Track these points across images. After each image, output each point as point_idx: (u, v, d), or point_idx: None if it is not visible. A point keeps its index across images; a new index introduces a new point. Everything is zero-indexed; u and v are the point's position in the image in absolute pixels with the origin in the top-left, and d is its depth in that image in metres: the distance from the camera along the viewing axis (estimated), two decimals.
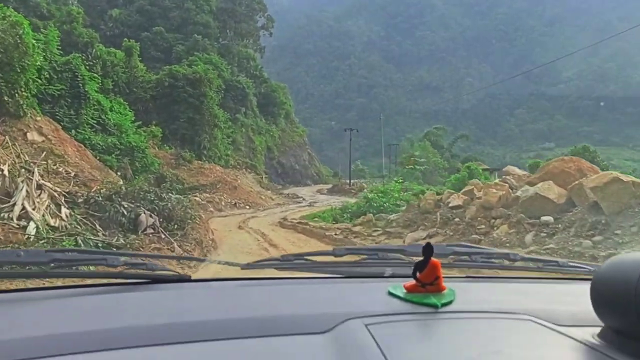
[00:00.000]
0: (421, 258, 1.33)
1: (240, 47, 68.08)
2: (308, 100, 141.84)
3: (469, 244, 1.98)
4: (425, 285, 1.31)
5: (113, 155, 28.22)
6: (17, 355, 0.94)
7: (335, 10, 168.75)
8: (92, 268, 1.56)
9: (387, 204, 24.77)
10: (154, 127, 38.90)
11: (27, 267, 1.44)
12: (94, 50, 42.36)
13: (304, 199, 38.84)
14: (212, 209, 27.48)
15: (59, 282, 1.48)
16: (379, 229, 15.94)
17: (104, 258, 1.47)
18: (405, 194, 27.89)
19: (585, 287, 1.11)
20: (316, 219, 22.56)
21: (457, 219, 13.72)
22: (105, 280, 1.46)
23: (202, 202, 27.71)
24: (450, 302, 1.30)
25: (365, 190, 46.89)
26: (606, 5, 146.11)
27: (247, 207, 30.78)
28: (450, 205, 14.41)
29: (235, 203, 30.60)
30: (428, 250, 1.31)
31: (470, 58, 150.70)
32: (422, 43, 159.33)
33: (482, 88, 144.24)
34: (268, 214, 27.35)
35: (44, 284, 1.72)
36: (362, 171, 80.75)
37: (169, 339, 1.05)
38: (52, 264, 1.41)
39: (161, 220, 13.12)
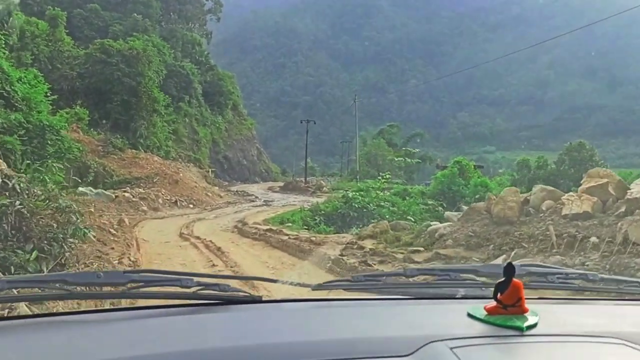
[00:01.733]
0: (495, 279, 1.31)
1: (185, 31, 60.69)
2: (253, 97, 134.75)
3: (543, 264, 1.86)
4: (507, 307, 1.25)
5: (15, 136, 21.08)
6: None
7: (281, 7, 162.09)
8: (166, 289, 1.44)
9: (370, 204, 19.02)
10: (78, 108, 31.60)
11: (106, 288, 1.41)
12: (11, 18, 34.66)
13: (256, 197, 32.40)
14: (145, 207, 20.82)
15: (136, 303, 1.42)
16: (412, 247, 9.87)
17: (179, 279, 1.43)
18: (386, 193, 22.15)
19: None
20: (289, 224, 16.34)
21: (581, 235, 7.78)
22: (179, 301, 1.42)
23: (133, 199, 21.02)
24: (534, 325, 1.22)
25: (324, 187, 41.01)
26: (544, 14, 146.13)
27: (191, 205, 24.23)
28: (570, 212, 8.50)
29: (176, 201, 23.96)
30: (509, 270, 1.25)
31: (415, 60, 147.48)
32: (368, 43, 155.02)
33: (424, 84, 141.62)
34: (218, 215, 20.90)
35: (121, 304, 1.55)
36: (313, 169, 74.68)
37: None
38: (129, 285, 1.38)
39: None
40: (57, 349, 1.13)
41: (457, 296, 1.57)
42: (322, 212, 19.77)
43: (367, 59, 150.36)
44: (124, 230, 11.97)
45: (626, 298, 1.69)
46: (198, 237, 13.15)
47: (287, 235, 12.85)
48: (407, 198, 22.45)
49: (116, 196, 20.84)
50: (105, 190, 22.76)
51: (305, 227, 17.89)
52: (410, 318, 1.36)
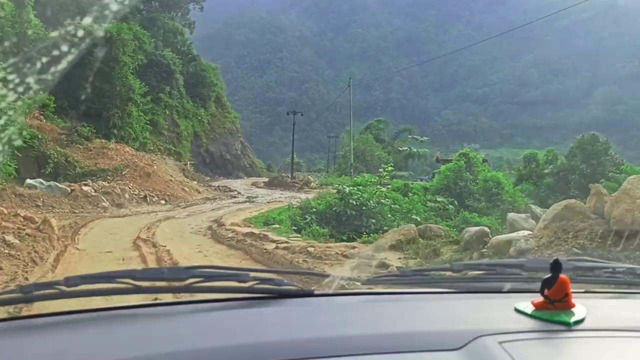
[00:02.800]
0: (541, 273, 1.32)
1: (167, 19, 56.82)
2: (238, 92, 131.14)
3: (590, 258, 1.82)
4: (554, 302, 1.25)
5: None
6: None
7: (267, 3, 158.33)
8: (225, 284, 1.48)
9: (370, 201, 15.84)
10: (41, 93, 27.91)
11: (170, 283, 1.46)
12: None
13: (239, 193, 29.01)
14: (106, 203, 17.40)
15: (197, 297, 1.45)
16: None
17: (236, 274, 1.47)
18: (385, 189, 19.00)
19: None
20: (275, 226, 13.01)
21: None
22: (237, 295, 1.46)
23: (93, 194, 17.58)
24: (582, 321, 1.21)
25: (312, 183, 37.70)
26: (529, 15, 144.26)
27: (163, 201, 20.85)
28: None
29: (146, 196, 20.56)
30: (556, 266, 1.24)
31: (400, 58, 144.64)
32: (353, 40, 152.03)
33: (409, 82, 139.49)
34: (192, 213, 17.51)
35: (183, 297, 1.56)
36: (299, 164, 71.38)
37: (303, 353, 1.04)
38: (190, 280, 1.42)
39: None
40: (126, 340, 1.16)
41: (503, 290, 1.56)
42: (314, 210, 16.56)
43: (352, 55, 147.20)
44: (41, 237, 8.64)
45: None
46: (155, 245, 9.83)
47: (274, 242, 9.60)
48: (410, 194, 19.32)
49: (72, 190, 17.41)
50: (68, 183, 19.30)
51: (294, 228, 14.67)
52: (459, 312, 1.35)
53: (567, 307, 1.25)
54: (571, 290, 1.27)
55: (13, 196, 15.34)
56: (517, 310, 1.29)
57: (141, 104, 37.21)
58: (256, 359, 1.03)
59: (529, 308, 1.28)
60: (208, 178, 44.15)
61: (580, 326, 1.19)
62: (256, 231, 11.18)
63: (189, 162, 41.14)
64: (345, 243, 8.91)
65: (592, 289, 1.62)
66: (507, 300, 1.37)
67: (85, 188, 17.90)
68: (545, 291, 1.25)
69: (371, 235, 10.86)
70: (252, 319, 1.33)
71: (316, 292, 1.54)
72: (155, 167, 25.86)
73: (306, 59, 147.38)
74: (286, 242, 9.46)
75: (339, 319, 1.33)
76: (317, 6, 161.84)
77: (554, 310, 1.23)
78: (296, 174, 48.01)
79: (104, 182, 20.20)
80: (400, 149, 31.01)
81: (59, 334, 1.22)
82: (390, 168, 17.98)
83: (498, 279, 1.63)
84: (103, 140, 27.36)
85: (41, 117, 26.51)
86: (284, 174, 47.45)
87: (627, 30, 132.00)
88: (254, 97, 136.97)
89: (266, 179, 44.62)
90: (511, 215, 10.53)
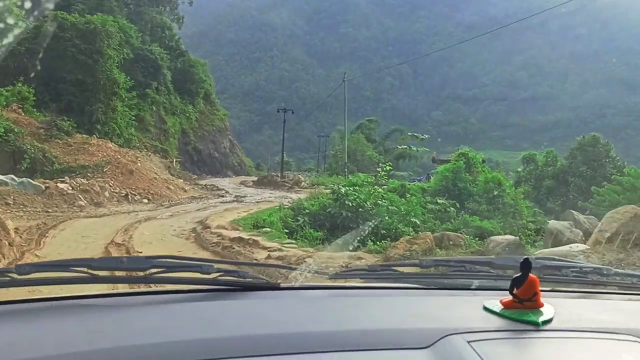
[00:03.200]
0: (510, 272, 1.34)
1: (155, 13, 55.34)
2: (227, 90, 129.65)
3: (558, 258, 1.83)
4: (523, 301, 1.24)
5: None
6: None
7: (258, 1, 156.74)
8: (187, 275, 1.43)
9: (367, 202, 14.77)
10: (20, 85, 26.59)
11: (129, 273, 1.41)
12: None
13: (227, 192, 27.79)
14: (84, 202, 16.14)
15: (157, 288, 1.41)
16: None
17: (199, 265, 1.41)
18: (381, 189, 17.94)
19: None
20: (266, 229, 11.83)
21: None
22: (199, 287, 1.41)
23: (70, 192, 16.32)
24: (550, 320, 1.21)
25: (303, 182, 36.53)
26: (519, 16, 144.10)
27: (146, 200, 19.60)
28: None
29: (127, 194, 19.30)
30: (526, 265, 1.24)
31: (391, 58, 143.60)
32: (344, 40, 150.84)
33: (400, 82, 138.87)
34: (176, 213, 16.28)
35: (143, 288, 1.52)
36: (288, 163, 70.18)
37: (268, 350, 1.01)
38: (151, 270, 1.36)
39: None
40: (82, 330, 1.11)
41: (472, 287, 1.54)
42: (307, 211, 15.41)
43: (343, 55, 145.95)
44: None
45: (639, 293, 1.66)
46: (129, 251, 8.64)
47: (265, 249, 8.45)
48: (408, 196, 18.24)
49: (47, 187, 16.12)
50: (42, 180, 18.01)
51: (286, 231, 13.52)
52: (427, 309, 1.34)
53: (536, 306, 1.24)
54: (540, 289, 1.26)
55: None
56: (486, 309, 1.28)
57: (126, 99, 35.86)
58: (217, 354, 0.97)
59: (497, 307, 1.26)
60: (195, 176, 42.91)
61: (548, 326, 1.19)
62: (245, 236, 10.01)
63: (175, 160, 39.79)
64: (349, 253, 7.83)
65: (560, 288, 1.61)
66: (476, 298, 1.36)
67: (61, 185, 16.62)
68: (515, 290, 1.24)
69: (377, 243, 9.76)
70: (214, 311, 1.28)
71: (282, 285, 1.48)
72: (139, 164, 24.58)
73: (297, 57, 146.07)
74: (279, 249, 8.32)
75: (304, 313, 1.29)
76: (308, 5, 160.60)
77: (523, 310, 1.23)
78: (286, 173, 46.88)
79: (82, 180, 18.91)
80: (399, 147, 29.80)
81: (9, 324, 1.15)
82: (388, 167, 16.89)
83: (467, 276, 1.59)
84: (84, 135, 26.01)
85: (19, 110, 25.17)
86: (273, 173, 46.29)
87: (616, 34, 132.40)
88: (243, 95, 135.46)
89: (255, 178, 43.44)
90: (552, 223, 9.40)
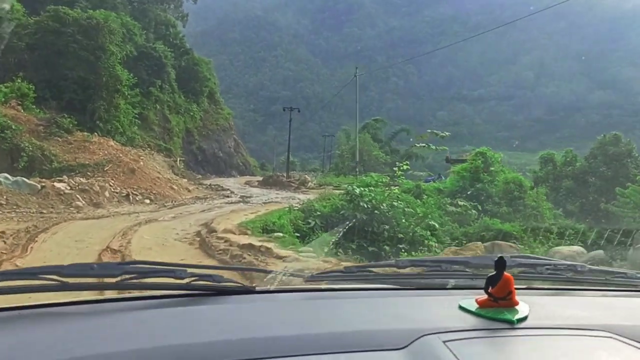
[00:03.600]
0: (485, 270, 1.34)
1: (159, 11, 54.43)
2: (232, 90, 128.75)
3: (533, 255, 1.80)
4: (498, 300, 1.25)
5: None
6: None
7: (263, 0, 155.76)
8: (160, 280, 1.41)
9: (383, 204, 13.79)
10: (20, 81, 25.71)
11: (100, 280, 1.39)
12: None
13: (232, 192, 26.81)
14: (81, 202, 15.17)
15: (130, 294, 1.38)
16: None
17: (172, 270, 1.41)
18: (395, 190, 16.90)
19: None
20: (278, 234, 10.81)
21: None
22: (172, 292, 1.38)
23: (67, 192, 15.36)
24: (525, 318, 1.22)
25: (309, 183, 35.54)
26: (524, 15, 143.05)
27: (147, 200, 18.63)
28: None
29: (128, 194, 18.32)
30: (501, 264, 1.24)
31: (396, 58, 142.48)
32: (349, 40, 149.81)
33: (405, 82, 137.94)
34: (179, 214, 15.26)
35: (114, 295, 1.49)
36: (293, 163, 69.28)
37: (241, 354, 1.00)
38: (123, 276, 1.35)
39: None
40: (51, 340, 1.08)
41: (447, 287, 1.55)
42: (318, 213, 14.43)
43: (347, 55, 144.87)
44: None
45: (613, 289, 1.68)
46: (124, 258, 7.68)
47: (279, 258, 7.45)
48: (425, 197, 17.24)
49: (43, 186, 15.16)
50: (38, 179, 17.06)
51: (297, 234, 12.55)
52: (403, 310, 1.34)
53: (511, 304, 1.25)
54: (514, 287, 1.27)
55: None
56: (461, 308, 1.28)
57: (129, 97, 34.91)
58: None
59: (473, 306, 1.27)
60: (199, 176, 41.98)
61: (523, 324, 1.19)
62: (256, 242, 8.99)
63: (179, 159, 38.81)
64: (376, 262, 6.86)
65: (535, 285, 1.62)
66: (452, 298, 1.37)
67: (58, 185, 15.66)
68: (490, 289, 1.25)
69: (407, 252, 8.75)
70: (188, 317, 1.26)
71: (257, 288, 1.47)
72: (141, 162, 23.61)
73: (301, 57, 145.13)
74: (296, 259, 7.32)
75: (280, 317, 1.28)
76: (312, 4, 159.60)
77: (498, 308, 1.24)
78: (292, 173, 45.91)
79: (82, 179, 17.95)
80: (417, 145, 28.53)
81: None
82: (405, 167, 15.88)
83: (443, 275, 1.59)
84: (85, 133, 25.05)
85: (19, 107, 24.25)
86: (279, 173, 45.34)
87: (624, 34, 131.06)
88: (247, 95, 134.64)
89: (260, 178, 42.49)
90: None
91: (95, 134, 26.38)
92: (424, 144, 27.62)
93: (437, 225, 14.85)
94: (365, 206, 13.79)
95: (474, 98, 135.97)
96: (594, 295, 1.63)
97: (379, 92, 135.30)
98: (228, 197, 23.95)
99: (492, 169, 19.19)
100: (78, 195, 15.52)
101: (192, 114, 50.69)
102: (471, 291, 1.39)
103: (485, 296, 1.26)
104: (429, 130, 31.95)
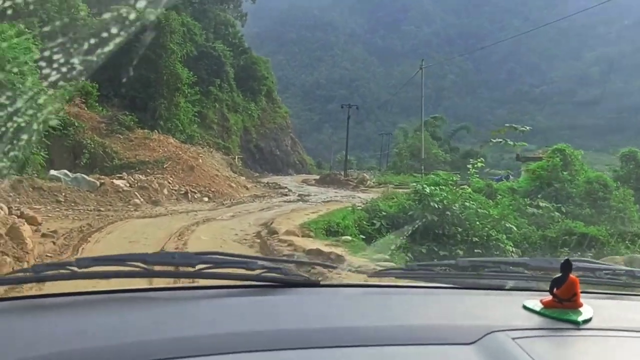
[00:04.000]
0: (543, 272, 1.38)
1: (219, 11, 54.60)
2: (288, 90, 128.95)
3: (592, 260, 1.84)
4: (563, 301, 1.25)
5: None
6: (162, 354, 0.96)
7: (319, 0, 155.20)
8: (233, 271, 1.47)
9: (456, 205, 12.56)
10: (83, 80, 25.75)
11: (179, 268, 1.45)
12: None
13: (290, 191, 26.07)
14: (139, 200, 14.71)
15: (206, 283, 1.42)
16: None
17: (245, 262, 1.47)
18: (465, 190, 15.54)
19: None
20: (346, 237, 9.84)
21: None
22: (244, 282, 1.44)
23: (126, 189, 14.92)
24: (589, 320, 1.23)
25: (368, 181, 34.45)
26: (589, 10, 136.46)
27: (206, 198, 18.08)
28: None
29: (187, 192, 17.81)
30: (567, 266, 1.26)
31: (453, 55, 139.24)
32: (405, 38, 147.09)
33: (463, 80, 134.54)
34: (237, 213, 14.54)
35: (192, 283, 1.54)
36: (350, 162, 68.22)
37: (307, 343, 1.03)
38: (200, 266, 1.41)
39: None
40: (138, 322, 1.15)
41: (507, 287, 1.56)
42: (383, 213, 13.36)
43: (404, 53, 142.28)
44: None
45: None
46: None
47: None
48: (499, 197, 15.85)
49: (102, 183, 14.77)
50: (97, 175, 16.77)
51: (362, 236, 11.53)
52: (467, 307, 1.34)
53: (575, 306, 1.25)
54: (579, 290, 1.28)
55: (30, 189, 12.80)
56: (526, 308, 1.29)
57: (189, 95, 34.86)
58: (262, 347, 1.00)
59: (537, 306, 1.28)
60: (257, 174, 41.64)
61: (588, 325, 1.20)
62: (323, 248, 8.04)
63: (237, 157, 38.52)
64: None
65: (595, 289, 1.61)
66: (514, 298, 1.38)
67: (117, 182, 15.26)
68: (555, 290, 1.25)
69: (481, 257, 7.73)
70: (258, 306, 1.31)
71: (322, 282, 1.51)
72: (200, 160, 23.18)
73: (357, 56, 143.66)
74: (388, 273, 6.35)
75: (346, 310, 1.30)
76: (369, 3, 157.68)
77: (563, 309, 1.24)
78: (349, 171, 44.87)
79: (141, 176, 17.57)
80: (493, 140, 26.75)
81: (71, 315, 1.20)
82: (480, 164, 14.58)
83: (502, 276, 1.61)
84: (146, 130, 24.88)
85: (82, 105, 24.33)
86: (336, 172, 44.39)
87: None
88: (304, 94, 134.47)
89: (317, 176, 41.72)
90: None
91: (156, 131, 26.20)
92: (500, 140, 25.54)
93: (514, 228, 13.50)
94: (436, 206, 12.62)
95: (535, 95, 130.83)
96: None
97: (436, 89, 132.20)
98: (286, 195, 23.20)
99: (573, 167, 17.53)
100: (137, 193, 15.07)
101: (250, 112, 50.60)
102: (531, 292, 1.37)
103: (550, 297, 1.26)
104: (507, 125, 29.59)
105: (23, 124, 16.88)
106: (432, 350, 1.01)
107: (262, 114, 53.05)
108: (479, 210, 14.03)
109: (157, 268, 1.38)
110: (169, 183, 17.78)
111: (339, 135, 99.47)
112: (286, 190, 26.58)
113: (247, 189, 23.83)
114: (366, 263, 9.63)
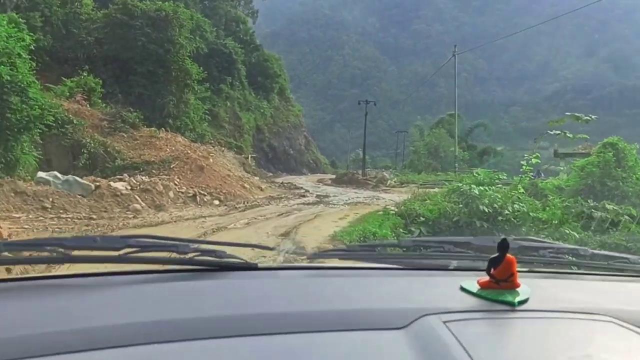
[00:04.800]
0: (488, 252, 1.29)
1: (229, 7, 52.68)
2: (300, 89, 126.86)
3: (535, 238, 1.80)
4: (500, 281, 1.22)
5: None
6: (95, 345, 0.91)
7: None
8: (163, 254, 1.38)
9: (509, 208, 10.36)
10: (85, 75, 23.95)
11: (103, 253, 1.36)
12: None
13: (307, 191, 24.01)
14: (140, 205, 12.67)
15: (132, 268, 1.34)
16: None
17: (175, 245, 1.37)
18: (503, 187, 13.38)
19: None
20: (391, 248, 7.86)
21: None
22: (175, 267, 1.36)
23: (125, 192, 12.91)
24: (526, 301, 1.20)
25: (388, 180, 32.26)
26: (604, 6, 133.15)
27: (217, 201, 16.01)
28: None
29: (195, 194, 15.75)
30: (504, 246, 1.21)
31: (466, 53, 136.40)
32: (417, 36, 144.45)
33: (475, 78, 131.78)
34: (252, 220, 12.37)
35: (117, 268, 1.41)
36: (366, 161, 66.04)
37: (242, 330, 0.99)
38: (126, 250, 1.33)
39: None
40: (53, 311, 1.08)
41: (449, 267, 1.53)
42: (422, 218, 11.26)
43: (416, 51, 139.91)
44: None
45: (615, 274, 1.63)
46: None
47: None
48: (548, 197, 13.68)
49: (97, 186, 12.77)
50: (92, 178, 14.79)
51: (400, 245, 9.41)
52: (404, 289, 1.32)
53: (512, 286, 1.22)
54: (516, 269, 1.24)
55: (12, 194, 10.83)
56: (463, 289, 1.26)
57: (199, 92, 32.92)
58: (192, 335, 0.95)
59: (474, 287, 1.25)
60: (270, 174, 39.65)
61: (524, 306, 1.17)
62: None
63: (250, 156, 36.50)
64: None
65: (536, 268, 1.58)
66: (454, 279, 1.36)
67: (115, 185, 13.25)
68: (492, 270, 1.22)
69: None
70: (190, 292, 1.24)
71: (260, 265, 1.45)
72: (211, 160, 21.16)
73: (368, 55, 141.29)
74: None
75: (281, 294, 1.26)
76: (380, 2, 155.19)
77: (499, 290, 1.21)
78: (367, 170, 42.72)
79: (144, 177, 15.56)
80: (550, 132, 24.41)
81: None
82: (535, 160, 12.47)
83: (445, 256, 1.58)
84: (152, 128, 22.92)
85: (84, 101, 22.43)
86: (352, 171, 42.24)
87: None
88: (315, 94, 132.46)
89: (332, 176, 39.60)
90: None
91: (163, 129, 24.23)
92: (558, 132, 23.17)
93: (576, 235, 11.33)
94: (486, 210, 10.50)
95: (548, 93, 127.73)
96: (595, 279, 1.57)
97: (449, 87, 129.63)
98: (304, 196, 21.12)
99: (626, 163, 15.31)
100: (137, 197, 13.07)
101: (262, 110, 48.66)
102: (473, 272, 1.35)
103: (487, 278, 1.23)
104: (568, 113, 26.94)
105: (13, 120, 14.81)
106: (360, 336, 0.98)
107: (274, 113, 51.08)
108: (530, 213, 11.91)
109: (77, 253, 1.26)
110: (176, 185, 15.76)
111: (352, 134, 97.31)
112: (302, 190, 24.49)
113: (262, 189, 21.77)
114: (305, 245, 7.93)
